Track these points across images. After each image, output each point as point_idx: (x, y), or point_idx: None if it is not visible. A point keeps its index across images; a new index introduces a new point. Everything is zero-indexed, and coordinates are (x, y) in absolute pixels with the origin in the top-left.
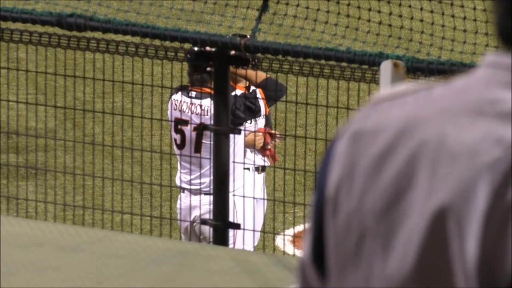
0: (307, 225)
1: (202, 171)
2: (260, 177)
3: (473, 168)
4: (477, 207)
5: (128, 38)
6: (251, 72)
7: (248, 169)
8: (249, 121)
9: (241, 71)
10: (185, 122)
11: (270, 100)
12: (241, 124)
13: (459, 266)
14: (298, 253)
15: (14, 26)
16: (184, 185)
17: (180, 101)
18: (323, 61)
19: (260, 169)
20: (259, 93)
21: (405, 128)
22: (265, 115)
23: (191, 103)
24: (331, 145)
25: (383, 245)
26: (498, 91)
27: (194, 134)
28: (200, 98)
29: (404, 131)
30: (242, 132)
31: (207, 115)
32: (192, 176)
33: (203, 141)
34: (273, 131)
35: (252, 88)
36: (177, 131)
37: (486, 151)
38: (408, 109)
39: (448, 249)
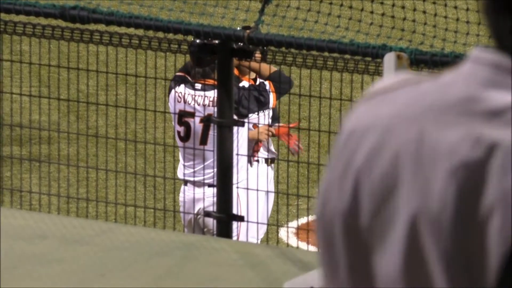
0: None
1: (206, 163)
2: (270, 169)
3: (451, 168)
4: (454, 207)
5: (131, 30)
6: (255, 65)
7: (258, 161)
8: (255, 113)
9: (248, 63)
10: (191, 114)
11: (279, 92)
12: (247, 116)
13: (438, 267)
14: (302, 245)
15: (17, 18)
16: (188, 178)
17: (184, 94)
18: (326, 53)
19: (269, 161)
20: (269, 86)
21: (390, 127)
22: (272, 108)
23: (196, 95)
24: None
25: (379, 243)
26: (478, 88)
27: (200, 126)
28: (205, 90)
29: (389, 130)
30: (246, 124)
31: (214, 106)
32: (196, 168)
33: (210, 132)
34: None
35: (261, 80)
36: (182, 123)
37: (464, 152)
38: (395, 106)
39: (426, 250)
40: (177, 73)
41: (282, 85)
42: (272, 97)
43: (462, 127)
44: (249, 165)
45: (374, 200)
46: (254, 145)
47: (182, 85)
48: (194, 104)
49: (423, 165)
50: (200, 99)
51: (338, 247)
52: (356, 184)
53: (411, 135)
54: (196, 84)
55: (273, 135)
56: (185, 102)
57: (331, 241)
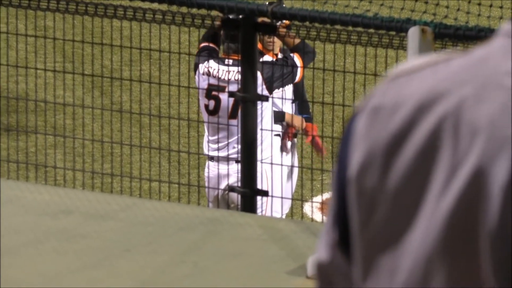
0: (329, 205)
1: (232, 139)
2: (292, 143)
3: (494, 141)
4: (497, 180)
5: (155, 5)
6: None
7: (279, 135)
8: (282, 87)
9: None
10: (222, 88)
11: (305, 62)
12: (278, 88)
13: (483, 241)
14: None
15: None
16: (213, 153)
17: (214, 68)
18: (350, 28)
19: (293, 136)
20: (297, 58)
21: (424, 102)
22: (297, 82)
23: (229, 70)
24: (350, 122)
25: (408, 221)
26: None
27: (230, 100)
28: (237, 65)
29: (423, 105)
30: (270, 99)
31: None
32: (221, 144)
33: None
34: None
35: (283, 55)
36: (211, 97)
37: (505, 124)
38: (426, 83)
39: (472, 224)
40: (206, 44)
41: (308, 55)
42: (299, 70)
43: (502, 100)
44: (276, 143)
45: (407, 176)
46: (288, 128)
47: (212, 60)
48: (226, 78)
49: (464, 139)
50: (232, 74)
51: (373, 229)
52: (386, 162)
53: (450, 109)
54: (227, 59)
55: (304, 131)
56: (214, 76)
57: (365, 222)
